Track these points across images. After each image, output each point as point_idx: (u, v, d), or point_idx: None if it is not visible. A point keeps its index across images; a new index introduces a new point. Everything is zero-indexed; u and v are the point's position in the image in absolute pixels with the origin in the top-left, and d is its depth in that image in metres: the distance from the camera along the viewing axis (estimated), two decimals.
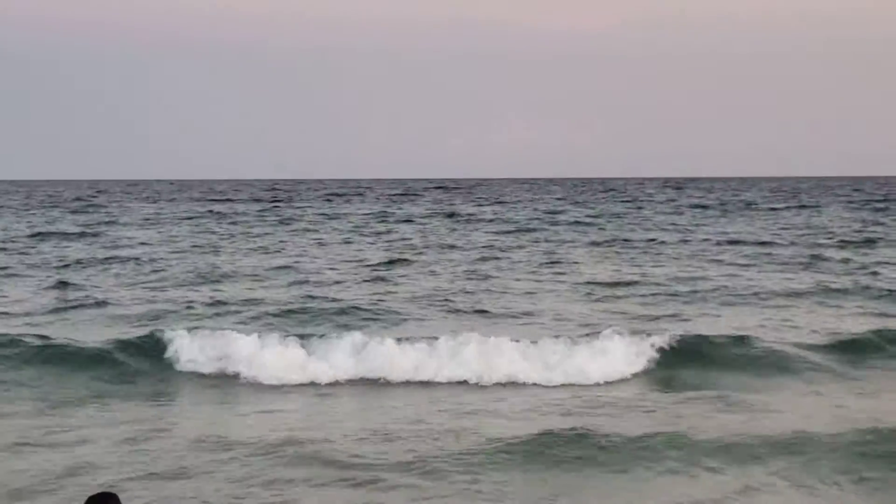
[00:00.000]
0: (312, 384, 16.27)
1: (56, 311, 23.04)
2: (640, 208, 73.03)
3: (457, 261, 34.57)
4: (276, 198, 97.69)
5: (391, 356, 16.91)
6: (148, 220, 60.63)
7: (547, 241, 43.82)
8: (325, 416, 14.38)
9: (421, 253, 37.62)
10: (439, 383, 16.39)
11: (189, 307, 23.19)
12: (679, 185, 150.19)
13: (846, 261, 33.96)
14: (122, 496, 6.38)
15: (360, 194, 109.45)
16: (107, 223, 55.84)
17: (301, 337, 18.02)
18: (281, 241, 42.70)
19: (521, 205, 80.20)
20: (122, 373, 16.73)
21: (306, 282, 28.29)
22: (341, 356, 16.99)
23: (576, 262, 33.91)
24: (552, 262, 33.94)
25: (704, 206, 74.32)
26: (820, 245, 40.48)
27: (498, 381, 16.34)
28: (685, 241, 42.83)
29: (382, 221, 58.15)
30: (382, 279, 28.92)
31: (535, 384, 16.30)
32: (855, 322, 21.40)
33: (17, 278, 29.25)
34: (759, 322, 21.48)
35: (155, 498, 10.18)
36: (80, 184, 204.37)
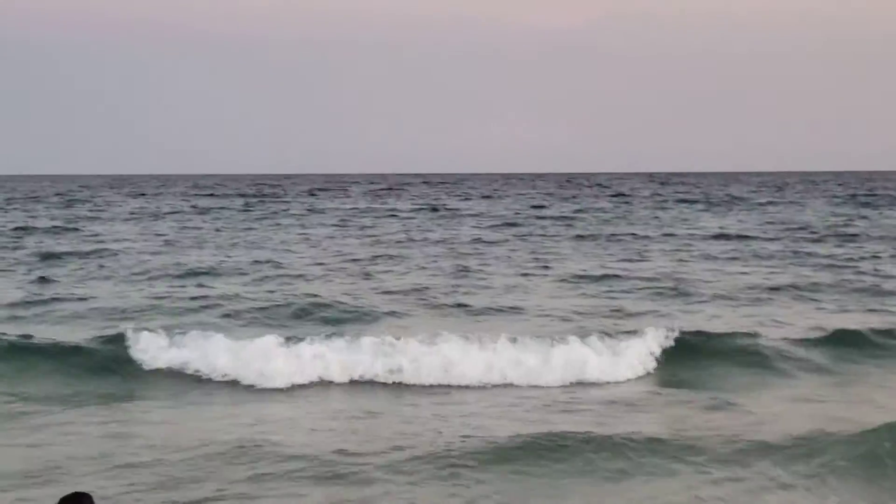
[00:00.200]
0: (276, 385, 15.68)
1: (26, 305, 22.76)
2: (625, 203, 72.96)
3: (441, 255, 34.36)
4: (262, 192, 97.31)
5: (372, 355, 16.45)
6: (133, 214, 60.31)
7: (532, 235, 43.66)
8: (287, 417, 14.03)
9: (404, 248, 37.39)
10: (418, 385, 15.92)
11: (164, 303, 22.89)
12: (664, 180, 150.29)
13: (829, 255, 33.93)
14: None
15: (344, 189, 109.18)
16: (89, 218, 55.48)
17: (274, 334, 17.45)
18: (263, 236, 42.43)
19: (509, 199, 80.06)
20: (88, 370, 16.30)
21: (284, 276, 27.99)
22: (312, 355, 16.42)
23: (561, 258, 33.72)
24: (536, 258, 33.75)
25: (690, 201, 74.30)
26: (802, 239, 40.46)
27: (481, 382, 15.94)
28: (670, 236, 42.73)
29: (366, 216, 57.94)
30: (366, 275, 28.68)
31: (511, 385, 15.92)
32: (839, 317, 21.27)
33: None
34: (746, 318, 21.32)
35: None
36: (75, 178, 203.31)
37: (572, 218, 55.32)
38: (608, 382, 16.09)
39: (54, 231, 45.12)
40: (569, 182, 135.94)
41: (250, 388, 15.66)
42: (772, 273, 29.19)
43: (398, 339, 17.01)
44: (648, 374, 16.77)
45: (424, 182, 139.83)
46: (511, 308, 22.62)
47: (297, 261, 32.51)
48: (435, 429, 12.96)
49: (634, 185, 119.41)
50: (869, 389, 15.78)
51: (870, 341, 18.55)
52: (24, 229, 45.78)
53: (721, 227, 46.97)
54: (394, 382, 16.00)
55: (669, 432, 12.47)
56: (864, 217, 54.05)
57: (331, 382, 15.96)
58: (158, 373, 16.47)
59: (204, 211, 63.66)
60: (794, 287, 26.05)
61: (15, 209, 66.10)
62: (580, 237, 42.39)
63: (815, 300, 24.24)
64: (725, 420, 13.44)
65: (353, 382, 16.02)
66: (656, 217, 56.08)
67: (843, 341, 18.48)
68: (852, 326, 19.52)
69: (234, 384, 15.89)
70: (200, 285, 26.03)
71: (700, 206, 67.17)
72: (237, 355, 16.31)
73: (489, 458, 11.45)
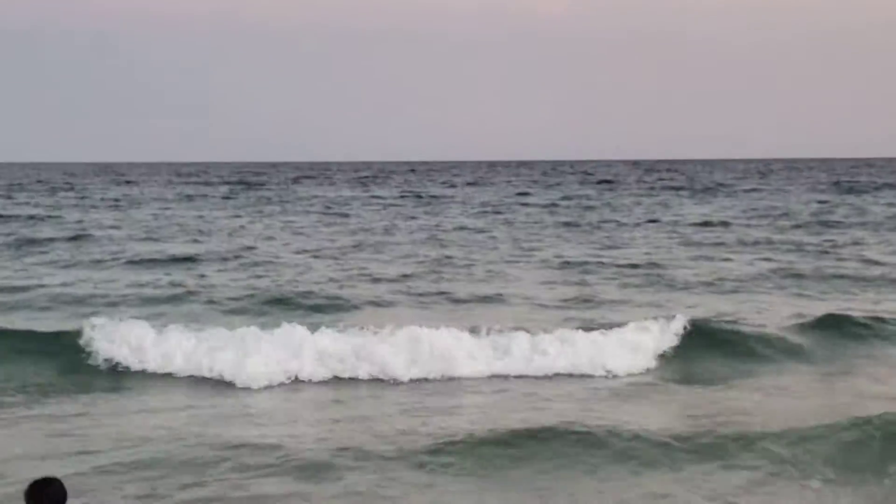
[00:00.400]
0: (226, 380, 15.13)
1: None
2: (610, 190, 72.86)
3: (423, 243, 34.15)
4: (245, 180, 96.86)
5: (351, 346, 15.87)
6: (118, 201, 59.90)
7: (516, 222, 43.49)
8: (261, 411, 13.68)
9: (388, 236, 37.17)
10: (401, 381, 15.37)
11: (144, 291, 22.64)
12: (650, 167, 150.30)
13: (811, 243, 33.88)
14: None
15: (329, 177, 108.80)
16: (71, 206, 55.07)
17: (250, 326, 16.87)
18: (245, 224, 42.13)
19: (494, 186, 79.85)
20: (37, 363, 15.79)
21: (263, 264, 27.72)
22: (289, 347, 15.78)
23: (544, 246, 33.57)
24: (520, 246, 33.59)
25: (675, 188, 74.24)
26: (786, 227, 40.39)
27: (464, 375, 15.52)
28: (654, 223, 42.63)
29: (350, 204, 57.67)
30: (346, 263, 28.47)
31: (496, 376, 15.56)
32: (822, 304, 21.17)
33: None
34: (733, 306, 21.18)
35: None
36: (60, 166, 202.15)
37: (556, 205, 55.18)
38: (603, 376, 15.66)
39: (37, 218, 44.72)
40: (554, 169, 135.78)
41: (215, 382, 15.05)
42: (755, 260, 29.09)
43: (379, 329, 16.46)
44: (647, 366, 16.25)
45: (411, 170, 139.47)
46: (493, 296, 22.40)
47: (276, 249, 32.23)
48: (418, 422, 12.73)
49: (619, 172, 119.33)
50: (855, 377, 15.66)
51: (853, 328, 18.41)
52: (2, 217, 45.35)
53: (705, 215, 46.89)
54: (373, 378, 15.40)
55: (658, 425, 12.23)
56: (849, 204, 54.04)
57: (302, 378, 15.25)
58: (103, 366, 15.82)
59: (187, 198, 63.26)
60: (778, 274, 25.96)
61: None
62: (564, 224, 42.24)
63: (799, 287, 24.13)
64: (717, 410, 13.31)
65: (330, 375, 15.44)
66: (640, 204, 55.98)
67: (827, 328, 18.34)
68: (836, 312, 19.42)
69: (196, 379, 15.30)
70: (169, 273, 25.66)
71: (685, 193, 67.10)
72: (197, 349, 15.75)
73: (465, 452, 11.21)
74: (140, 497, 9.89)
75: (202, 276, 25.50)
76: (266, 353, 15.53)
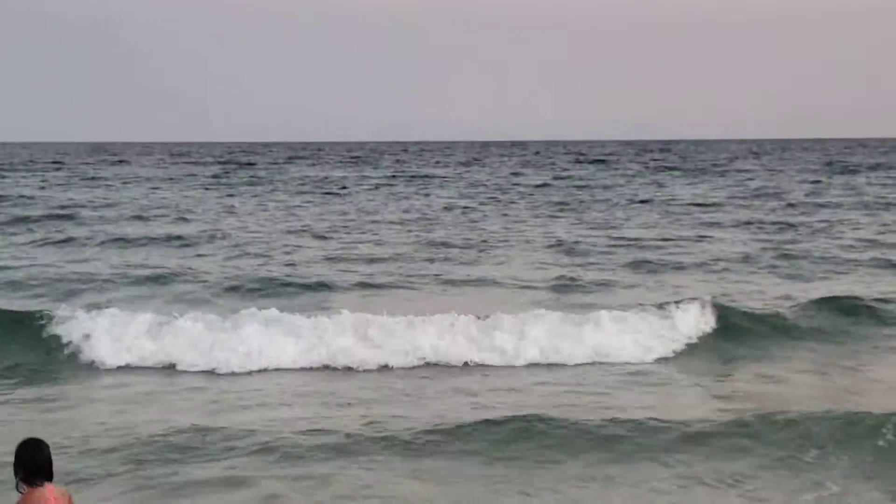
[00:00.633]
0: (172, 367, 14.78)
1: None
2: (604, 170, 72.62)
3: (413, 222, 33.94)
4: (236, 160, 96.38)
5: (340, 333, 15.41)
6: (108, 180, 59.48)
7: (511, 203, 43.25)
8: (248, 395, 13.37)
9: (377, 216, 36.93)
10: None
11: (127, 272, 22.37)
12: (644, 147, 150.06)
13: (803, 223, 33.74)
14: None
15: (321, 157, 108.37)
16: (60, 185, 54.69)
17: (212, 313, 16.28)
18: (235, 204, 41.83)
19: (486, 168, 79.53)
20: (4, 345, 15.56)
21: (244, 246, 27.37)
22: (274, 333, 15.33)
23: (534, 226, 33.38)
24: (509, 226, 33.40)
25: (668, 168, 74.03)
26: (778, 207, 40.23)
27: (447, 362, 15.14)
28: (645, 203, 42.41)
29: (341, 184, 57.35)
30: (332, 244, 28.26)
31: (481, 364, 15.15)
32: (814, 285, 21.06)
33: None
34: (727, 287, 20.95)
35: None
36: (52, 146, 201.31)
37: (548, 185, 54.94)
38: (605, 362, 15.23)
39: (27, 198, 44.33)
40: (548, 149, 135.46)
41: (183, 372, 14.64)
42: (749, 240, 28.91)
43: (370, 315, 15.97)
44: (658, 353, 15.77)
45: (403, 150, 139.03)
46: (484, 279, 22.14)
47: (263, 229, 31.93)
48: (411, 409, 12.52)
49: (614, 152, 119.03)
50: (850, 360, 15.50)
51: (852, 309, 18.20)
52: None
53: (697, 195, 46.71)
54: (380, 367, 14.99)
55: (660, 412, 11.96)
56: (841, 184, 53.89)
57: (281, 366, 14.85)
58: (79, 351, 15.39)
59: (176, 179, 62.84)
60: (771, 254, 25.78)
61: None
62: (556, 204, 42.02)
63: (791, 268, 23.96)
64: (746, 394, 13.15)
65: (315, 362, 15.02)
66: (633, 185, 55.75)
67: (827, 310, 18.12)
68: (838, 295, 19.17)
69: (167, 366, 14.88)
70: (153, 254, 25.33)
71: (677, 174, 66.88)
72: (166, 336, 15.34)
73: (452, 441, 10.96)
74: (125, 475, 9.74)
75: (186, 257, 25.24)
76: (245, 339, 15.18)
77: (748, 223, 33.91)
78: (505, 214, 36.88)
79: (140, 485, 9.70)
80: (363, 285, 21.31)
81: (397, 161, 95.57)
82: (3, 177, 63.26)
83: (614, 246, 27.76)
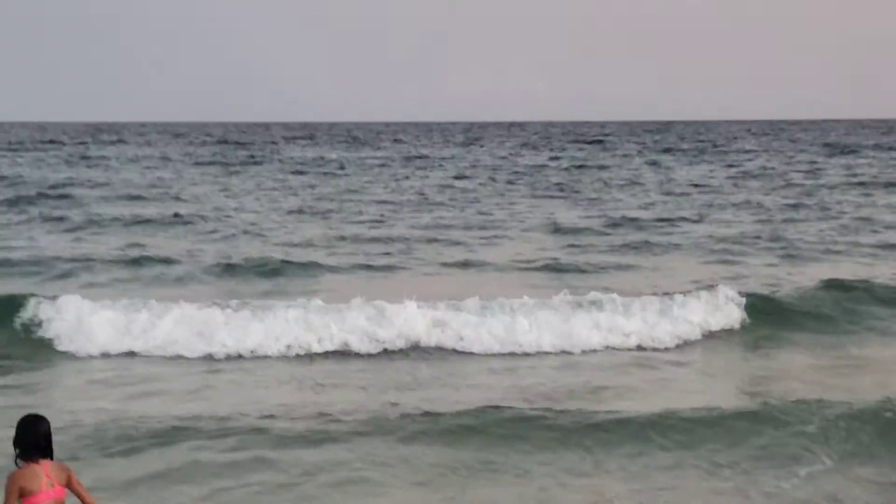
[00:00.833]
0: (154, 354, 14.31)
1: None
2: (603, 151, 72.45)
3: (409, 204, 33.73)
4: (232, 139, 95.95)
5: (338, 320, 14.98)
6: (83, 158, 59.08)
7: (509, 183, 43.06)
8: (227, 383, 13.08)
9: (374, 196, 36.70)
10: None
11: (101, 255, 21.96)
12: (644, 128, 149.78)
13: (801, 204, 33.60)
14: None
15: (312, 137, 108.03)
16: (52, 165, 54.38)
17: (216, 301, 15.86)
18: (230, 184, 41.57)
19: (483, 149, 79.27)
20: None
21: (235, 227, 27.09)
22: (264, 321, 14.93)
23: (532, 207, 33.20)
24: (505, 207, 33.22)
25: (667, 150, 73.80)
26: (778, 187, 40.06)
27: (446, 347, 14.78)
28: (638, 185, 42.21)
29: (338, 164, 57.12)
30: (330, 225, 28.06)
31: (472, 354, 14.70)
32: (814, 268, 20.89)
33: None
34: (730, 269, 20.77)
35: None
36: (54, 125, 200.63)
37: (545, 166, 54.72)
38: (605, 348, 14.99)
39: (17, 177, 44.08)
40: (547, 130, 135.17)
41: (174, 356, 14.28)
42: (749, 223, 28.70)
43: (373, 302, 15.48)
44: (641, 340, 15.40)
45: (402, 130, 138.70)
46: (480, 263, 21.87)
47: (256, 210, 31.66)
48: (402, 396, 12.29)
49: (613, 133, 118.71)
50: (858, 351, 15.29)
51: (852, 293, 18.01)
52: None
53: (695, 177, 46.54)
54: (382, 351, 14.67)
55: (661, 400, 11.77)
56: (840, 165, 53.73)
57: (266, 353, 14.44)
58: (56, 338, 14.88)
59: (172, 159, 62.51)
60: (770, 235, 25.61)
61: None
62: (553, 185, 41.86)
63: (788, 249, 23.78)
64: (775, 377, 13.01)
65: (302, 349, 14.60)
66: (632, 165, 55.55)
67: (823, 292, 17.87)
68: (826, 277, 18.97)
69: (150, 353, 14.40)
70: (140, 242, 24.99)
71: (677, 155, 66.68)
72: (151, 324, 14.88)
73: (446, 427, 10.69)
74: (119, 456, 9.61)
75: (176, 238, 25.02)
76: (225, 326, 14.82)
77: (747, 203, 33.76)
78: (505, 197, 36.66)
79: (115, 474, 9.45)
80: (359, 266, 21.07)
81: (395, 141, 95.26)
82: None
83: (609, 226, 27.70)
